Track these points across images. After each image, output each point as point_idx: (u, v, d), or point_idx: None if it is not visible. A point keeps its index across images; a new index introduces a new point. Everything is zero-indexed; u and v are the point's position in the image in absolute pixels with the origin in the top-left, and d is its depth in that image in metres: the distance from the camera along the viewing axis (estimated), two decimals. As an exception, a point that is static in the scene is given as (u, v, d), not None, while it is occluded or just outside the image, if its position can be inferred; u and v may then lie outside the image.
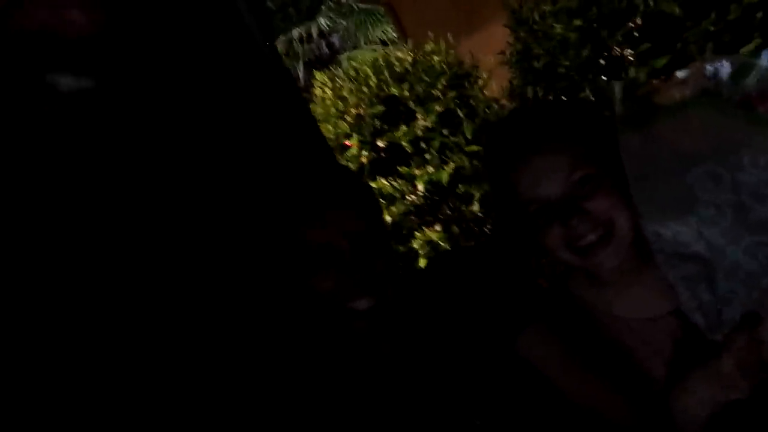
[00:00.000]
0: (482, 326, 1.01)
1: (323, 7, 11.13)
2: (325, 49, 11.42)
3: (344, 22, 11.06)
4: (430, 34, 3.24)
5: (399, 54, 3.08)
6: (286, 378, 0.97)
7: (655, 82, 0.98)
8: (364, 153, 2.89)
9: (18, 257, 0.48)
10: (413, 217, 2.82)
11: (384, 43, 10.80)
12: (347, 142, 2.94)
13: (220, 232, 0.98)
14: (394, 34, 10.19)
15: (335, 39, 11.51)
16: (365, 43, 10.85)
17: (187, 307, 0.86)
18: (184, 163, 0.89)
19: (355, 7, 10.20)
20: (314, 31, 11.22)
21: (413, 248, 2.81)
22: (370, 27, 10.74)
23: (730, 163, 0.74)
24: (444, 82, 2.93)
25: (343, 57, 10.70)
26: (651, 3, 2.95)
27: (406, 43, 3.67)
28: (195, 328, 0.88)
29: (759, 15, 2.69)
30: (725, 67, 0.80)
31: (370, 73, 3.00)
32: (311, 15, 11.13)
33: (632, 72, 3.16)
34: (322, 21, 11.21)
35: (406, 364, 1.00)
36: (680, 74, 0.86)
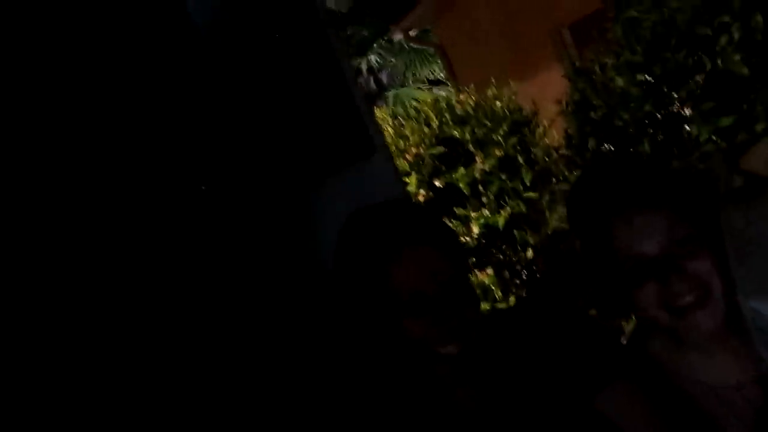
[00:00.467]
0: (561, 378, 1.00)
1: (375, 44, 11.39)
2: (373, 85, 11.64)
3: (393, 60, 11.28)
4: (492, 79, 3.28)
5: (461, 96, 3.12)
6: (368, 418, 0.97)
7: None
8: (422, 192, 2.92)
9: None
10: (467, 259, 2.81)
11: (431, 83, 10.98)
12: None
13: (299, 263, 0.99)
14: (441, 74, 10.36)
15: (384, 75, 11.75)
16: (412, 82, 11.03)
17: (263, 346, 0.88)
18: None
19: (406, 46, 10.41)
20: (364, 67, 11.47)
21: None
22: (418, 66, 10.93)
23: None
24: (505, 128, 2.95)
25: (390, 93, 10.88)
26: (719, 62, 2.94)
27: (455, 82, 3.72)
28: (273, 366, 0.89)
29: (831, 81, 2.65)
30: None
31: (432, 114, 3.05)
32: (362, 51, 11.40)
33: (694, 130, 3.14)
34: (373, 57, 11.46)
35: (483, 412, 1.00)
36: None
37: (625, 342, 1.12)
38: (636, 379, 0.99)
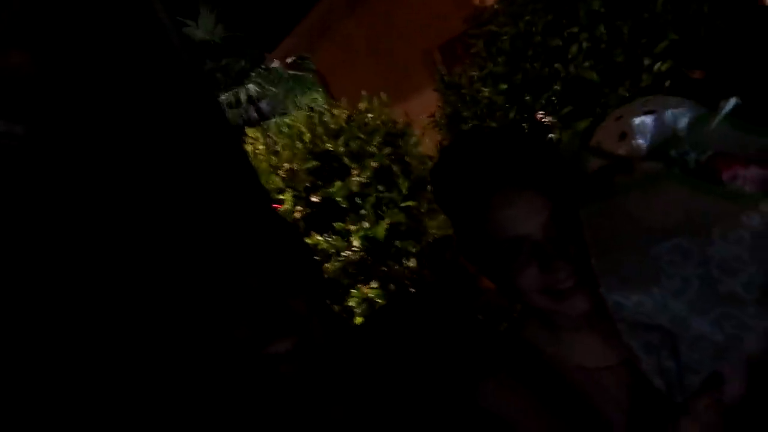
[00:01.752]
0: (438, 375, 0.95)
1: (252, 74, 11.23)
2: (254, 114, 11.43)
3: (274, 89, 11.18)
4: (363, 92, 3.28)
5: (334, 111, 3.08)
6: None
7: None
8: (298, 208, 2.82)
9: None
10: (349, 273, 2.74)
11: (312, 110, 10.96)
12: (277, 205, 2.86)
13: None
14: (322, 102, 10.41)
15: (264, 105, 11.58)
16: (294, 110, 10.98)
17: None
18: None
19: (285, 74, 10.35)
20: (243, 97, 11.25)
21: (349, 306, 2.71)
22: (299, 94, 10.90)
23: (700, 237, 0.73)
24: (379, 139, 2.94)
25: (270, 122, 10.75)
26: (572, 69, 3.14)
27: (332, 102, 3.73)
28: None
29: (667, 83, 2.91)
30: (684, 115, 0.80)
31: (304, 129, 2.98)
32: (240, 81, 11.19)
33: (556, 135, 3.32)
34: (251, 87, 11.27)
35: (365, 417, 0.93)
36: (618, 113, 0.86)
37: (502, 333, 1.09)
38: (515, 369, 0.96)
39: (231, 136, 1.49)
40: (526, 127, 3.45)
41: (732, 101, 0.79)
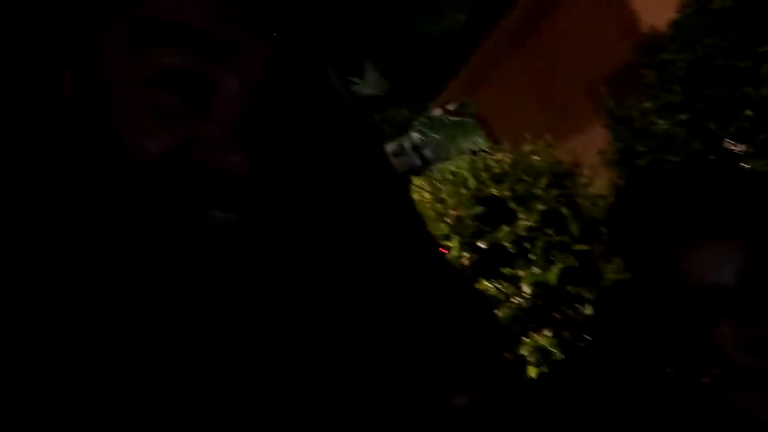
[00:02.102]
0: None
1: (415, 123, 11.66)
2: (418, 161, 11.82)
3: (436, 135, 11.48)
4: (527, 135, 3.23)
5: (497, 155, 3.08)
6: None
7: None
8: (465, 255, 2.82)
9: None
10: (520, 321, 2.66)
11: (474, 153, 11.05)
12: (443, 249, 2.90)
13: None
14: (485, 146, 10.44)
15: (427, 151, 11.93)
16: (456, 155, 11.15)
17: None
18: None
19: (447, 121, 10.60)
20: (407, 145, 11.70)
21: (521, 355, 2.62)
22: (461, 138, 11.06)
23: None
24: (545, 181, 2.86)
25: (434, 167, 11.01)
26: (765, 92, 2.80)
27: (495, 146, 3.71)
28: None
29: None
30: None
31: (468, 175, 3.00)
32: (404, 130, 11.67)
33: (753, 165, 2.96)
34: (415, 135, 11.70)
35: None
36: None
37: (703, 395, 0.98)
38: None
39: (399, 184, 1.56)
40: (713, 158, 3.13)
41: None
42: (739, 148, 3.08)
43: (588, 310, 2.68)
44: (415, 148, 11.91)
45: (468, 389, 0.83)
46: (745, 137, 3.02)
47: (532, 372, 2.53)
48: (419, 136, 11.68)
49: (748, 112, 2.93)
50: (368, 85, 11.99)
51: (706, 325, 0.80)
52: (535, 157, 2.99)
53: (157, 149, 0.41)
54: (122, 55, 0.41)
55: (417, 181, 3.38)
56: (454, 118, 9.97)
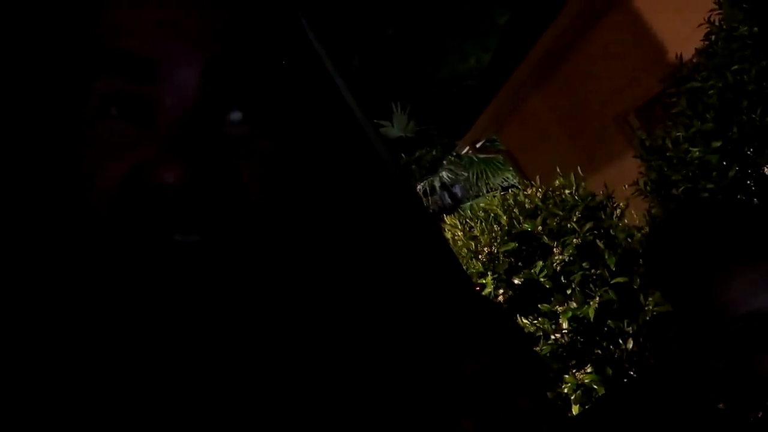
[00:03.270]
0: None
1: (444, 162, 11.73)
2: (448, 200, 11.84)
3: (465, 173, 11.51)
4: (558, 170, 3.22)
5: (528, 190, 3.06)
6: None
7: None
8: (501, 292, 2.79)
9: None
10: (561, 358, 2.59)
11: (505, 189, 11.04)
12: (478, 287, 2.87)
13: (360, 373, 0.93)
14: (514, 181, 10.42)
15: (457, 189, 11.95)
16: (486, 192, 11.13)
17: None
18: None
19: (475, 158, 10.63)
20: (437, 184, 11.75)
21: (563, 393, 2.55)
22: (490, 175, 11.06)
23: None
24: (578, 214, 2.83)
25: (465, 205, 11.00)
26: (801, 114, 2.75)
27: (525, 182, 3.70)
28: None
29: None
30: None
31: (500, 212, 2.99)
32: (433, 169, 11.75)
33: (791, 188, 2.89)
34: (444, 174, 11.76)
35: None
36: None
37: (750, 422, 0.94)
38: None
39: (431, 223, 1.56)
40: (751, 184, 3.06)
41: None
42: (778, 172, 3.01)
43: (630, 345, 2.60)
44: (445, 186, 11.95)
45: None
46: (784, 161, 2.95)
47: (575, 410, 2.45)
48: (448, 174, 11.73)
49: (785, 136, 2.87)
50: (397, 128, 12.15)
51: (752, 353, 0.77)
52: (567, 191, 2.97)
53: (113, 179, 0.42)
54: (80, 97, 0.43)
55: (449, 219, 3.38)
56: (483, 156, 9.99)
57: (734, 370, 0.82)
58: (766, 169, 3.06)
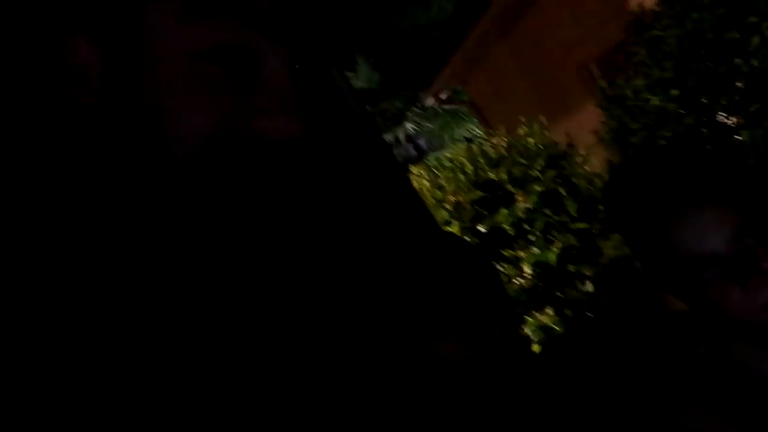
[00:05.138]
0: (638, 402, 0.91)
1: (409, 113, 11.67)
2: (413, 152, 11.85)
3: (430, 125, 11.50)
4: (521, 119, 3.26)
5: (492, 140, 3.10)
6: None
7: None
8: (466, 239, 2.85)
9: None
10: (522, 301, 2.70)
11: (469, 141, 11.10)
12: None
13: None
14: (479, 131, 10.47)
15: (422, 141, 11.96)
16: (452, 143, 11.18)
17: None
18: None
19: (440, 110, 10.61)
20: (402, 136, 11.73)
21: (524, 333, 2.66)
22: (455, 126, 11.08)
23: None
24: (542, 162, 2.89)
25: (430, 157, 11.04)
26: (755, 63, 2.83)
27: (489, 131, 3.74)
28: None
29: None
30: None
31: (465, 161, 3.03)
32: (398, 121, 11.69)
33: (745, 137, 2.99)
34: (409, 126, 11.72)
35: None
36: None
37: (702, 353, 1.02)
38: (722, 392, 0.89)
39: (401, 172, 1.59)
40: (705, 132, 3.16)
41: None
42: (731, 120, 3.11)
43: (588, 288, 2.71)
44: (410, 138, 11.94)
45: (490, 356, 0.85)
46: (737, 109, 3.05)
47: (536, 349, 2.57)
48: (413, 126, 11.70)
49: (739, 84, 2.95)
50: (361, 79, 11.99)
51: (707, 291, 0.82)
52: (531, 140, 3.01)
53: (208, 122, 0.41)
54: (170, 30, 0.41)
55: (416, 169, 3.40)
56: (448, 107, 9.98)
57: (692, 305, 0.87)
58: (720, 117, 3.16)
